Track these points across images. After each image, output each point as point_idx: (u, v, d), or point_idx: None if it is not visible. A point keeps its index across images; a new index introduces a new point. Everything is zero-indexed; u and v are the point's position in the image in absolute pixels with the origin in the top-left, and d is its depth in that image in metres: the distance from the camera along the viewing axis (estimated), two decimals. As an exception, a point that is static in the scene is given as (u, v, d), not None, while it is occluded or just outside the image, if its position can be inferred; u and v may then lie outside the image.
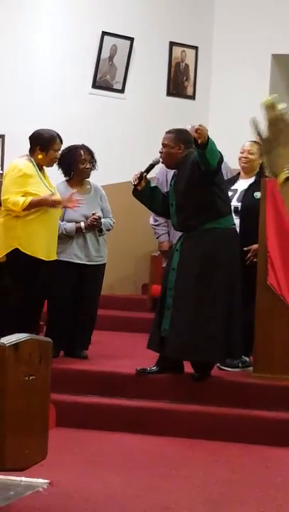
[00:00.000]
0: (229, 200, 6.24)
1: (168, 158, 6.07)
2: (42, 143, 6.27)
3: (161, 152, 6.07)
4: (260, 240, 6.18)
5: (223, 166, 6.04)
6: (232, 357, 6.24)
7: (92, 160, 6.73)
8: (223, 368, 6.42)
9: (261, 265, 6.15)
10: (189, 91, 9.86)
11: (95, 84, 9.14)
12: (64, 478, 4.74)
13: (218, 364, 6.41)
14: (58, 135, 6.35)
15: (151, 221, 7.59)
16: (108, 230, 6.79)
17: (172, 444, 5.65)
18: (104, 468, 5.06)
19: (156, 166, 6.19)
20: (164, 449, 5.56)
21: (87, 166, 6.69)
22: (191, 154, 5.95)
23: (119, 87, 9.30)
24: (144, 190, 6.10)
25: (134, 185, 6.07)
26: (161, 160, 6.11)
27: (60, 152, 6.41)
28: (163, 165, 6.27)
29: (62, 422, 5.77)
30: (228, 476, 5.04)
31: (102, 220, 6.69)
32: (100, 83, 9.18)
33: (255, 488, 4.81)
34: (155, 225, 7.56)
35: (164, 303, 6.05)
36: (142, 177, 6.05)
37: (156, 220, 7.54)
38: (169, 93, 9.72)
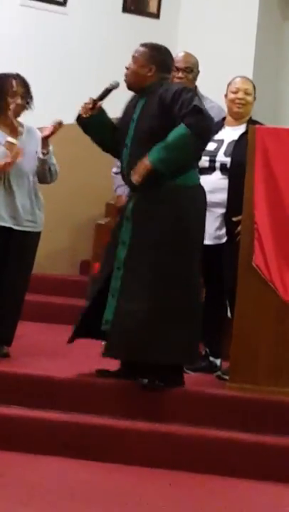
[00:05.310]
0: None
1: (131, 77, 6.18)
2: None
3: (127, 68, 6.16)
4: (245, 208, 6.20)
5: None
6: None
7: (27, 95, 6.67)
8: (188, 371, 6.50)
9: (245, 242, 6.17)
10: (152, 7, 9.94)
11: (27, -7, 9.14)
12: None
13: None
14: None
15: (113, 170, 7.47)
16: (51, 174, 6.69)
17: (121, 472, 5.67)
18: (29, 503, 5.04)
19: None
20: (110, 479, 5.58)
21: (18, 102, 6.62)
22: (164, 83, 6.06)
23: (59, -3, 9.34)
24: (92, 119, 6.16)
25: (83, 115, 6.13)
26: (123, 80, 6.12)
27: None
28: None
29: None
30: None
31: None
32: (34, -9, 9.18)
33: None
34: (115, 174, 7.40)
35: (106, 285, 6.07)
36: (94, 107, 6.10)
37: (118, 167, 7.40)
38: (126, 9, 9.78)
